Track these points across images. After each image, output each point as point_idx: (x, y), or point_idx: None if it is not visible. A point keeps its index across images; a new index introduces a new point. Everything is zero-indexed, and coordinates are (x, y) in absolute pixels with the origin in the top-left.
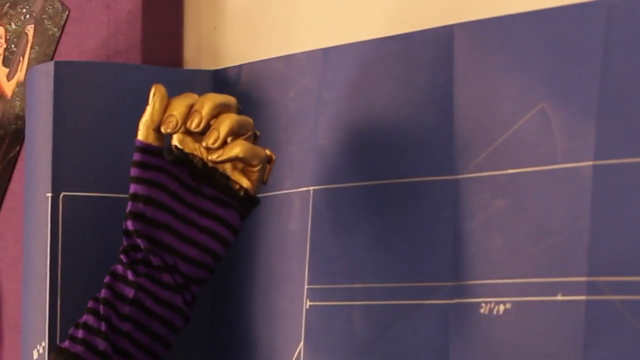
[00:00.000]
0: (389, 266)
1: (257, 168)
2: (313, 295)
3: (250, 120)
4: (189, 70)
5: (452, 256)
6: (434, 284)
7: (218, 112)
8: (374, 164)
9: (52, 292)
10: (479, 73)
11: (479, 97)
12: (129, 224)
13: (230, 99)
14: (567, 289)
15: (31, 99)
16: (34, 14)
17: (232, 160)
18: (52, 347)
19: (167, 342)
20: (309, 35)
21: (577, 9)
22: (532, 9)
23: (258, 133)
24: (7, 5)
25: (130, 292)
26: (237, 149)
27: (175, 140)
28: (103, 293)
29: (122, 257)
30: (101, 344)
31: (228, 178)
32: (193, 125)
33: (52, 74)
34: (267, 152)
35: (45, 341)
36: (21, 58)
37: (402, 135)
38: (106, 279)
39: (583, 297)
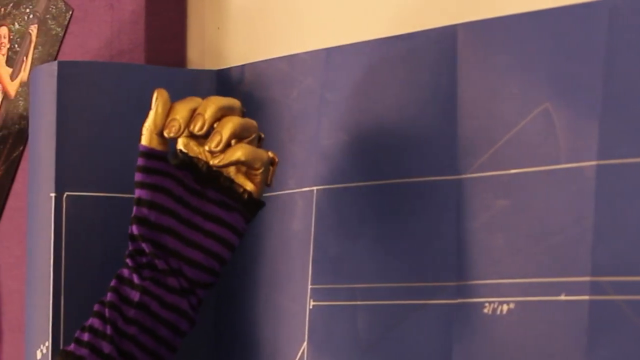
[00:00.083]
0: (392, 266)
1: (260, 171)
2: (316, 295)
3: (253, 122)
4: (192, 70)
5: (456, 256)
6: (437, 284)
7: (221, 115)
8: (377, 164)
9: (56, 292)
10: (482, 73)
11: (482, 97)
12: (134, 229)
13: (234, 102)
14: (570, 289)
15: (35, 99)
16: (38, 14)
17: (234, 164)
18: (57, 349)
19: (173, 345)
20: (312, 35)
21: (580, 9)
22: (535, 9)
23: (262, 135)
24: (11, 5)
25: (135, 296)
26: (238, 152)
27: (180, 144)
28: (109, 296)
29: (128, 260)
30: (106, 347)
31: (232, 181)
32: (196, 128)
33: (55, 73)
34: (270, 154)
35: (48, 341)
36: (25, 58)
37: (405, 135)
38: (112, 283)
39: (586, 297)
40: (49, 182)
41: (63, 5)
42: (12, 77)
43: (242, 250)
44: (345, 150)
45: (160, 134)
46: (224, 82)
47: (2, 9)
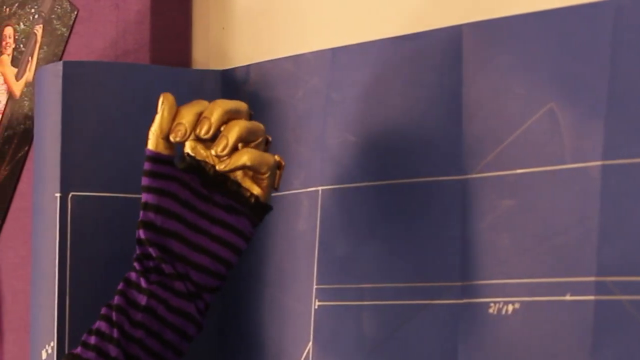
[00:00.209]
0: (397, 266)
1: (267, 175)
2: (322, 295)
3: (260, 126)
4: (197, 70)
5: (461, 256)
6: (442, 284)
7: (228, 118)
8: (382, 164)
9: (61, 292)
10: (487, 73)
11: (487, 97)
12: (141, 233)
13: (241, 105)
14: (575, 289)
15: (40, 99)
16: (43, 14)
17: (240, 169)
18: (62, 349)
19: (179, 349)
20: (317, 35)
21: (585, 9)
22: (541, 9)
23: (270, 139)
24: (16, 5)
25: (142, 300)
26: (244, 157)
27: (187, 148)
28: (116, 300)
29: (135, 264)
30: (113, 351)
31: (239, 185)
32: (202, 132)
33: (60, 74)
34: (277, 158)
35: (54, 341)
36: (30, 58)
37: (410, 136)
38: (120, 286)
39: (592, 297)
40: (54, 182)
41: (68, 5)
42: (18, 77)
43: (247, 250)
44: (350, 151)
45: (166, 138)
46: (229, 82)
47: (7, 9)
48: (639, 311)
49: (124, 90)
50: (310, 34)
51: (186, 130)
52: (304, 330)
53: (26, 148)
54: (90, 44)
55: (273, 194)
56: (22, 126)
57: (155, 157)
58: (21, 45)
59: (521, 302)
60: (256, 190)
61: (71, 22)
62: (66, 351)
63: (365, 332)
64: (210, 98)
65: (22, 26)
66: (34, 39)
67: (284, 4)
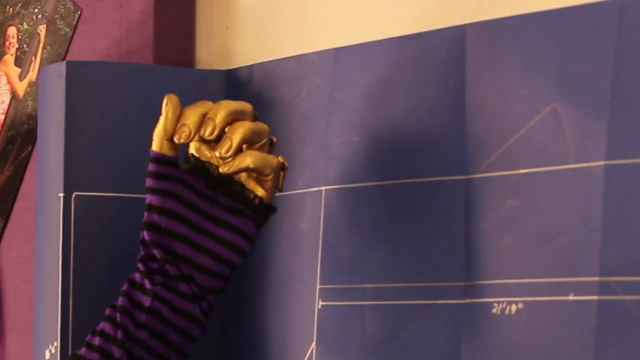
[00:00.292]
0: (400, 266)
1: (271, 177)
2: (325, 295)
3: (265, 127)
4: (200, 70)
5: (464, 256)
6: (446, 284)
7: (232, 119)
8: (385, 164)
9: (64, 292)
10: (490, 73)
11: (490, 97)
12: (145, 234)
13: (246, 106)
14: (579, 289)
15: (43, 99)
16: (46, 14)
17: (243, 171)
18: (65, 349)
19: (183, 351)
20: (320, 35)
21: (588, 9)
22: (544, 9)
23: (274, 139)
24: (19, 5)
25: (147, 301)
26: (247, 159)
27: (192, 149)
28: (120, 301)
29: (139, 265)
30: (117, 352)
31: (243, 186)
32: (207, 133)
33: (64, 73)
34: (280, 159)
35: (57, 341)
36: (33, 58)
37: (414, 135)
38: (124, 287)
39: (595, 297)
40: (58, 182)
41: (72, 5)
42: (21, 77)
43: (250, 250)
44: (354, 150)
45: (170, 140)
46: (233, 82)
47: (11, 9)
48: None
49: (127, 90)
50: (313, 34)
51: (190, 132)
52: (308, 330)
53: (29, 148)
54: (94, 44)
55: (277, 195)
56: (25, 126)
57: (160, 159)
58: (24, 45)
59: (524, 302)
60: (260, 191)
61: (74, 22)
62: (69, 351)
63: (369, 332)
64: (214, 98)
65: (25, 26)
66: (37, 39)
67: (287, 4)
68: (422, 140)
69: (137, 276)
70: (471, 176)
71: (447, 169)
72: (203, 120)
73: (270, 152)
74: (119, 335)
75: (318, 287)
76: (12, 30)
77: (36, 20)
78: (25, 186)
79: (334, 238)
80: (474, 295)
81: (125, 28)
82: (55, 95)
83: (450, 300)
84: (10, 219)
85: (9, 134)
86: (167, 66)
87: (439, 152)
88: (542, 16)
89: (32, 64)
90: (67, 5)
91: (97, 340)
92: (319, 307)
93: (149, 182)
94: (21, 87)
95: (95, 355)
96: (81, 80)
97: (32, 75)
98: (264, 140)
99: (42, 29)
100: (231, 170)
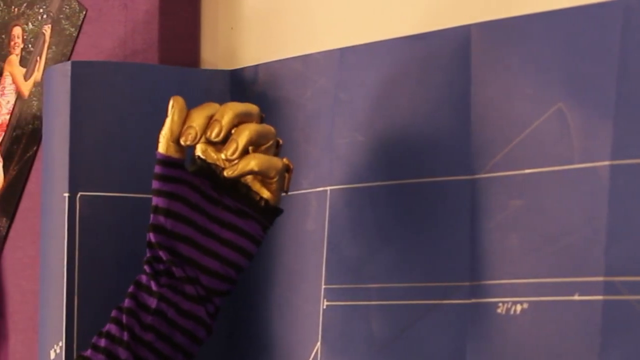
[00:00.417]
0: (406, 266)
1: (276, 179)
2: (330, 295)
3: (271, 129)
4: (206, 70)
5: (469, 256)
6: (451, 284)
7: (238, 121)
8: (390, 164)
9: (69, 292)
10: (495, 73)
11: (495, 97)
12: (151, 236)
13: (252, 108)
14: (584, 289)
15: (48, 99)
16: (51, 14)
17: (248, 174)
18: (70, 349)
19: (189, 352)
20: (325, 35)
21: (594, 9)
22: (549, 9)
23: (281, 141)
24: (24, 5)
25: (153, 303)
26: (252, 163)
27: (198, 150)
28: (126, 303)
29: (145, 267)
30: (123, 354)
31: (249, 188)
32: (213, 134)
33: (69, 73)
34: (285, 161)
35: (62, 341)
36: (38, 58)
37: (419, 135)
38: (130, 289)
39: (600, 297)
40: (63, 182)
41: (77, 5)
42: (26, 77)
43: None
44: (359, 151)
45: (176, 142)
46: (238, 82)
47: (16, 9)
48: None
49: (133, 90)
50: (318, 34)
51: (196, 134)
52: (313, 330)
53: (35, 148)
54: (99, 44)
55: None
56: (30, 126)
57: (166, 161)
58: (30, 45)
59: (529, 302)
60: (266, 193)
61: (80, 22)
62: (74, 351)
63: (374, 332)
64: (219, 98)
65: (30, 26)
66: (42, 39)
67: (292, 4)
68: (427, 140)
69: (144, 278)
70: (476, 176)
71: (452, 169)
72: (209, 122)
73: (276, 154)
74: (125, 337)
75: (323, 287)
76: (17, 30)
77: (41, 20)
78: (30, 186)
79: (339, 238)
80: (479, 295)
81: (131, 28)
82: (61, 95)
83: (456, 300)
84: (16, 219)
85: (14, 133)
86: (172, 66)
87: (444, 152)
88: (548, 16)
89: (37, 64)
90: (72, 5)
91: (103, 342)
92: (324, 307)
93: (155, 184)
94: (26, 87)
95: (101, 356)
96: (86, 80)
97: (37, 75)
98: (270, 142)
99: (47, 29)
100: (235, 174)
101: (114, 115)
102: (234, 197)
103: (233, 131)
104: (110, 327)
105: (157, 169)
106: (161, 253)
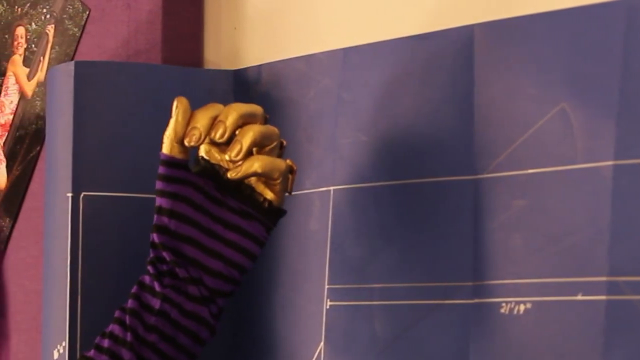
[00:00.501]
0: (409, 266)
1: (279, 181)
2: (333, 295)
3: (275, 130)
4: (209, 70)
5: (473, 256)
6: (454, 284)
7: (243, 122)
8: (394, 164)
9: (73, 292)
10: (499, 73)
11: (499, 97)
12: (155, 237)
13: (256, 109)
14: (587, 288)
15: (52, 99)
16: (55, 14)
17: (251, 176)
18: (73, 349)
19: (192, 353)
20: (329, 35)
21: (597, 9)
22: (552, 9)
23: (284, 143)
24: (28, 5)
25: (156, 303)
26: (255, 164)
27: (202, 151)
28: (130, 303)
29: (149, 267)
30: (126, 354)
31: (253, 190)
32: (217, 135)
33: (72, 73)
34: (288, 162)
35: (65, 341)
36: (42, 58)
37: (422, 135)
38: (133, 289)
39: (603, 297)
40: (66, 182)
41: (80, 5)
42: (29, 77)
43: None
44: (362, 150)
45: (180, 143)
46: (241, 82)
47: (19, 9)
48: None
49: (136, 90)
50: (321, 34)
51: (200, 135)
52: (316, 330)
53: (38, 148)
54: (102, 44)
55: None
56: (33, 126)
57: (170, 161)
58: (33, 45)
59: (532, 302)
60: (269, 195)
61: (83, 22)
62: (77, 351)
63: (377, 331)
64: (222, 98)
65: (33, 26)
66: (45, 39)
67: (295, 4)
68: (430, 140)
69: (147, 278)
70: (479, 176)
71: (455, 169)
72: (213, 123)
73: (280, 155)
74: (129, 337)
75: (326, 287)
76: (20, 30)
77: (44, 20)
78: (34, 186)
79: (342, 238)
80: (482, 295)
81: (134, 28)
82: (64, 95)
83: (459, 300)
84: (19, 219)
85: (18, 134)
86: (176, 66)
87: (447, 152)
88: (551, 16)
89: (41, 64)
90: (76, 5)
91: (106, 343)
92: (327, 307)
93: (158, 184)
94: (29, 87)
95: (104, 357)
96: (89, 80)
97: (40, 75)
98: (274, 144)
99: (50, 29)
100: (239, 175)
101: (117, 115)
102: (238, 198)
103: (237, 132)
104: (114, 328)
105: (161, 170)
106: (165, 254)
